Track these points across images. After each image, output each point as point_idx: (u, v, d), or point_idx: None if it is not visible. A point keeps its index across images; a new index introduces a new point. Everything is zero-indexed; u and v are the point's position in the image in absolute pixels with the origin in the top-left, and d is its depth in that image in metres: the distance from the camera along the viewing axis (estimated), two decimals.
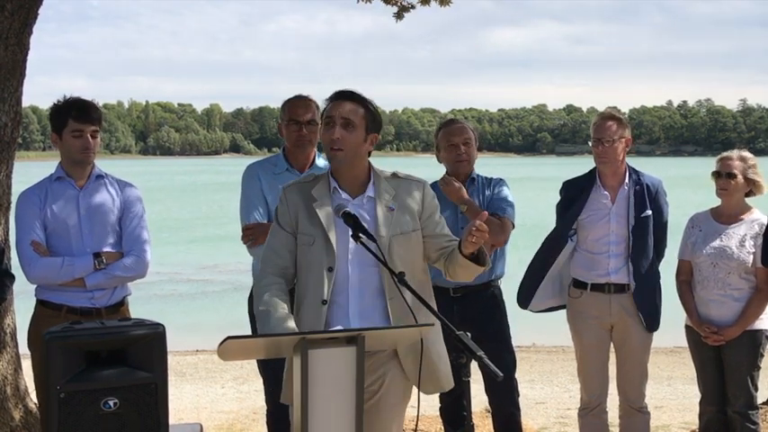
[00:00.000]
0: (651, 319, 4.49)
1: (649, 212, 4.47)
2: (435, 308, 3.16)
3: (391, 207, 3.27)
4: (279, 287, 3.22)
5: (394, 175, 3.38)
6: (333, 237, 3.22)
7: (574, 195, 4.59)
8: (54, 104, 4.07)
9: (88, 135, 4.00)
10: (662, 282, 4.56)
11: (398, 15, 6.12)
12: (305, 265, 3.25)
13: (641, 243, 4.45)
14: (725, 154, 4.59)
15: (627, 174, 4.54)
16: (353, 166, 3.29)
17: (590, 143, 4.55)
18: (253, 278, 3.86)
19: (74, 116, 3.99)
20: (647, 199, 4.48)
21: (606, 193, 4.52)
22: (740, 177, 4.49)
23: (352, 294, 3.22)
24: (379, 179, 3.32)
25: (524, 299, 4.67)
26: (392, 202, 3.29)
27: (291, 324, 3.10)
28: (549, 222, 4.72)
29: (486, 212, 3.21)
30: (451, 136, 4.65)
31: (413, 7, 6.09)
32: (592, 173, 4.61)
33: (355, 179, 3.31)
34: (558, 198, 4.71)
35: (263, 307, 3.16)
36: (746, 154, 4.57)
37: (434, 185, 4.75)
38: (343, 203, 3.21)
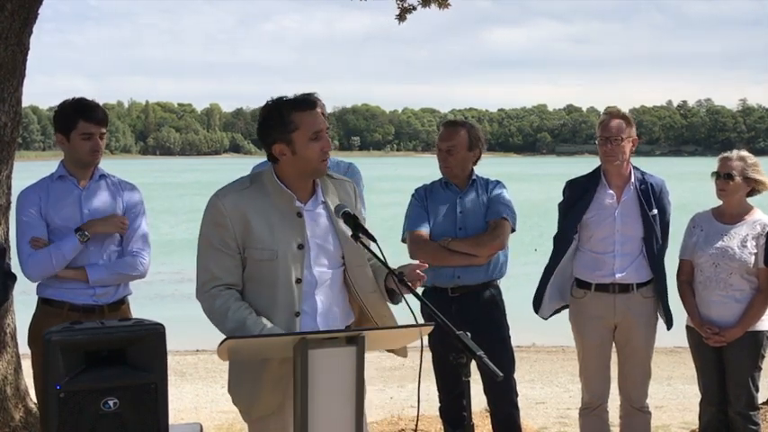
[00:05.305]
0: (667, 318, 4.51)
1: (655, 212, 4.46)
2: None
3: (344, 206, 3.17)
4: (237, 298, 3.11)
5: (328, 175, 3.30)
6: (304, 248, 3.13)
7: (577, 195, 4.57)
8: (61, 105, 4.04)
9: (97, 137, 4.00)
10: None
11: (401, 17, 6.16)
12: (266, 279, 3.10)
13: (651, 243, 4.44)
14: (725, 154, 4.56)
15: (631, 173, 4.53)
16: None
17: (596, 142, 4.53)
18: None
19: (84, 118, 3.97)
20: (653, 198, 4.47)
21: (612, 192, 4.50)
22: (738, 178, 4.46)
23: (319, 300, 3.18)
24: (324, 181, 3.26)
25: (537, 304, 4.64)
26: (339, 202, 3.22)
27: (277, 328, 3.05)
28: (547, 209, 4.71)
29: (423, 271, 3.15)
30: (439, 140, 4.67)
31: (414, 9, 6.11)
32: (596, 172, 4.58)
33: (309, 183, 3.21)
34: (561, 198, 4.68)
35: (232, 324, 3.04)
36: (746, 154, 4.54)
37: (435, 184, 4.74)
38: (342, 204, 3.19)
